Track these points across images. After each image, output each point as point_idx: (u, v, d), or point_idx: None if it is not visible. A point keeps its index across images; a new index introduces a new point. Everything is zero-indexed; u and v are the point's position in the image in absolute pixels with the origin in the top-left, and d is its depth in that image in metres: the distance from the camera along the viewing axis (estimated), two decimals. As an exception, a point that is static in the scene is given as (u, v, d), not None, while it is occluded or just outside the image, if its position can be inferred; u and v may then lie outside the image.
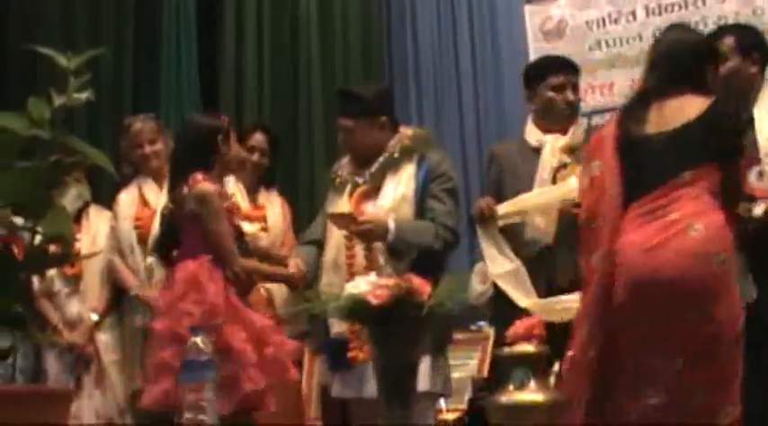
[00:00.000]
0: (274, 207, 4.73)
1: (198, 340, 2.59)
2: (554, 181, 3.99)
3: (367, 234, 3.78)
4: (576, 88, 4.20)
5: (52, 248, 1.61)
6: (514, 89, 4.85)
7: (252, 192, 4.65)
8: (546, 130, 4.13)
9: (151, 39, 6.76)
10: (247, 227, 4.26)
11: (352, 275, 3.65)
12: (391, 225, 3.77)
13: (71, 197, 1.46)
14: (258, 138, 4.68)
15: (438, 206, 3.90)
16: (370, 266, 3.66)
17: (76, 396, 4.70)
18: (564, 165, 4.02)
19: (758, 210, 3.50)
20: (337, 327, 3.81)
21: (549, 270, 3.95)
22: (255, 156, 4.64)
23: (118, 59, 6.57)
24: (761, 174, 3.62)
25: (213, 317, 3.57)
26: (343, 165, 4.12)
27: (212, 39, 6.91)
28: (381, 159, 3.96)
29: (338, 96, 4.28)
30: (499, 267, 3.95)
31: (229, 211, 3.88)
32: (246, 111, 6.52)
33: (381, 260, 3.70)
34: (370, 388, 3.36)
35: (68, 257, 1.58)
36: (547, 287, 3.91)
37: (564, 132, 4.11)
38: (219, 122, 3.95)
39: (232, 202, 4.03)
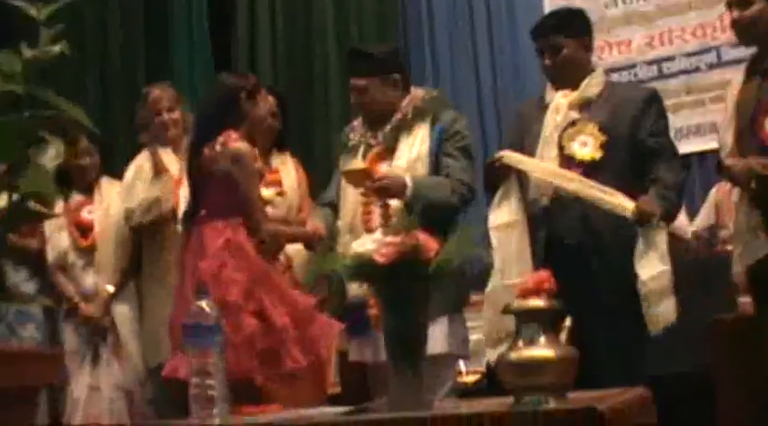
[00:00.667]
0: (289, 170, 4.66)
1: (203, 303, 2.55)
2: (560, 139, 3.88)
3: (384, 190, 3.73)
4: (555, 49, 3.97)
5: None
6: (530, 47, 4.76)
7: (265, 156, 4.59)
8: (560, 87, 4.02)
9: (161, 6, 6.76)
10: (264, 192, 4.20)
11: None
12: (408, 181, 3.73)
13: (50, 155, 1.41)
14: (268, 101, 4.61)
15: (453, 162, 3.87)
16: (387, 226, 3.60)
17: (94, 368, 4.71)
18: (572, 123, 3.89)
19: None
20: (354, 290, 3.77)
21: (549, 230, 3.83)
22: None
23: (127, 34, 6.59)
24: None
25: (259, 283, 3.51)
26: (356, 127, 4.09)
27: (225, 5, 6.89)
28: (394, 121, 3.92)
29: (349, 57, 4.24)
30: (500, 218, 3.85)
31: (260, 174, 3.81)
32: (260, 76, 6.48)
33: (396, 219, 3.64)
34: (387, 352, 3.32)
35: (49, 215, 1.54)
36: (546, 246, 3.81)
37: (576, 88, 3.97)
38: (242, 81, 3.88)
39: (261, 165, 3.96)
